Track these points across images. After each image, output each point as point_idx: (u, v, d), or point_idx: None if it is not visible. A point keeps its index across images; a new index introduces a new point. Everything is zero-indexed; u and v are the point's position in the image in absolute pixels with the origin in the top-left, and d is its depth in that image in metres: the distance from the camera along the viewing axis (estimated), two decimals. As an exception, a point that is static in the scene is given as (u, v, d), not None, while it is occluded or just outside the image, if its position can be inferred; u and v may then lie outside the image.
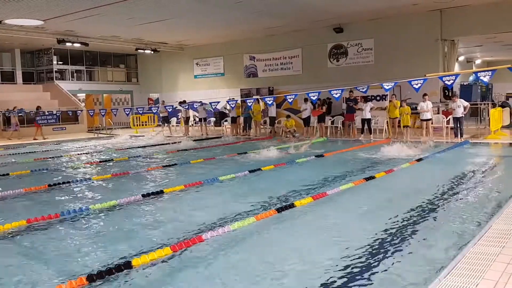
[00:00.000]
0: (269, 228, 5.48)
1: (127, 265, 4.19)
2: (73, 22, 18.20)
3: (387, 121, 16.58)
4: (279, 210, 6.06)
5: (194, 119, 22.09)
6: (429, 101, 15.01)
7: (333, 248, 4.70)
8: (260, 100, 17.87)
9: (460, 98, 15.38)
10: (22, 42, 23.33)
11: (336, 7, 17.28)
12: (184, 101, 20.77)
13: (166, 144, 16.84)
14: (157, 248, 4.66)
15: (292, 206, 6.28)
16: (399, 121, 15.72)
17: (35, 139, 19.77)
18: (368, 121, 16.23)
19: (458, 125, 14.58)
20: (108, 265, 4.24)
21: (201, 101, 19.92)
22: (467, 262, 4.06)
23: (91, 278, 3.93)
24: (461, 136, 14.54)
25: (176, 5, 16.10)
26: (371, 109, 16.20)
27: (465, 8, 17.41)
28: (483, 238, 4.71)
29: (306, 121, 18.06)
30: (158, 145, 16.61)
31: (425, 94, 14.82)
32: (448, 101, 18.17)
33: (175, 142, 17.14)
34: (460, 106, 14.44)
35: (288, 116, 17.71)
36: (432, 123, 15.36)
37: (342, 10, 17.77)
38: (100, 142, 18.60)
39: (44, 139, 19.94)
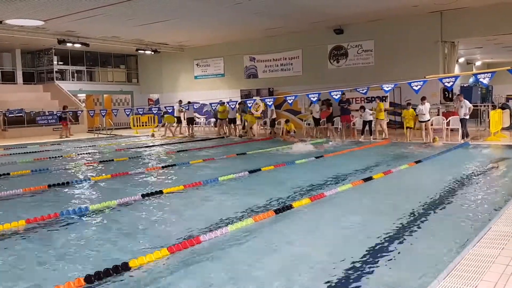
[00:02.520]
0: (268, 229, 5.46)
1: (125, 266, 4.19)
2: (73, 22, 18.22)
3: (387, 123, 16.65)
4: (277, 211, 6.05)
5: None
6: (427, 103, 15.01)
7: (329, 250, 4.68)
8: (260, 101, 17.89)
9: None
10: (22, 42, 23.35)
11: (336, 9, 17.29)
12: (189, 102, 20.69)
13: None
14: (155, 249, 4.65)
15: (290, 207, 6.27)
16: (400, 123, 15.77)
17: (61, 137, 20.55)
18: (369, 123, 16.25)
19: (461, 126, 14.61)
20: (106, 266, 4.22)
21: (221, 101, 19.47)
22: (466, 264, 4.06)
23: (89, 279, 3.93)
24: (463, 137, 14.53)
25: (177, 6, 16.11)
26: (371, 114, 16.23)
27: (465, 9, 17.42)
28: (482, 240, 4.71)
29: (317, 121, 18.18)
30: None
31: (423, 98, 14.84)
32: (448, 102, 18.18)
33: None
34: (463, 107, 14.44)
35: (287, 121, 17.77)
36: (432, 124, 15.35)
37: (342, 12, 17.79)
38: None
39: (68, 137, 20.70)
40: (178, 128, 21.65)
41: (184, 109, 20.15)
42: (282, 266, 4.25)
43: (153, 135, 21.18)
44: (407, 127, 15.51)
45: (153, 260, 4.40)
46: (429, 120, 15.03)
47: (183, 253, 4.62)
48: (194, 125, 21.64)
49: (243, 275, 4.07)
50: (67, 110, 21.22)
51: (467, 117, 14.62)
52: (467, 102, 14.61)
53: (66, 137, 20.66)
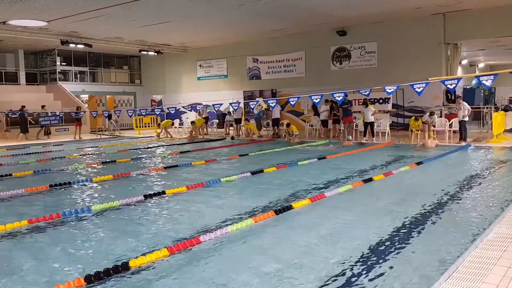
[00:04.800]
0: (268, 229, 5.46)
1: (125, 266, 4.19)
2: (77, 23, 18.28)
3: (389, 124, 16.61)
4: (277, 212, 6.04)
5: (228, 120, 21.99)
6: (435, 116, 15.08)
7: (327, 252, 4.67)
8: (263, 102, 17.93)
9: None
10: (25, 43, 23.44)
11: (340, 11, 17.29)
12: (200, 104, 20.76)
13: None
14: (155, 250, 4.65)
15: (290, 208, 6.27)
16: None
17: (75, 138, 20.74)
18: (371, 124, 16.21)
19: (460, 128, 14.61)
20: (107, 266, 4.23)
21: (238, 101, 19.42)
22: (468, 266, 4.05)
23: (89, 278, 3.93)
24: (464, 139, 14.49)
25: (180, 7, 16.14)
26: (373, 114, 16.17)
27: (468, 12, 17.40)
28: (484, 242, 4.69)
29: (324, 122, 18.26)
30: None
31: (432, 113, 14.91)
32: (451, 104, 18.16)
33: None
34: (460, 109, 14.46)
35: (288, 124, 17.79)
36: (434, 126, 15.32)
37: (345, 14, 17.79)
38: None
39: (80, 138, 20.85)
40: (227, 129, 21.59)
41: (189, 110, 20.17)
42: (281, 268, 4.23)
43: (158, 135, 21.19)
44: (411, 130, 15.49)
45: (153, 260, 4.40)
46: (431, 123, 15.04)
47: (183, 254, 4.62)
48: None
49: (242, 276, 4.06)
50: (80, 111, 21.34)
51: (466, 119, 14.59)
52: (465, 104, 14.61)
53: (80, 137, 20.79)
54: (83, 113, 21.32)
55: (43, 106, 21.77)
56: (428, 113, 15.14)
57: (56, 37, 21.09)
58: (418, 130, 15.15)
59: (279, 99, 16.15)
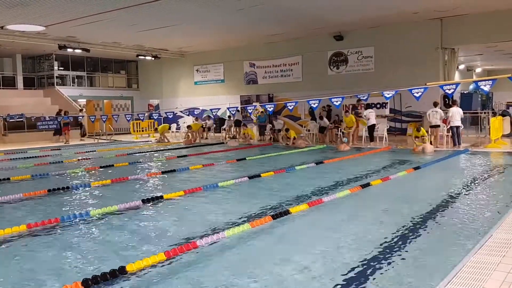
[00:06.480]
0: (265, 234, 5.44)
1: (122, 271, 4.17)
2: (74, 28, 18.26)
3: (387, 129, 16.61)
4: (275, 216, 6.02)
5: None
6: (436, 108, 15.11)
7: (324, 258, 4.65)
8: (260, 107, 17.98)
9: (460, 107, 15.42)
10: (23, 47, 23.40)
11: (337, 15, 17.33)
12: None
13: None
14: (152, 254, 4.62)
15: (287, 213, 6.25)
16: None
17: (66, 142, 20.68)
18: (373, 127, 16.23)
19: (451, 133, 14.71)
20: (104, 270, 4.20)
21: (236, 107, 19.43)
22: (467, 271, 4.03)
23: (86, 283, 3.90)
24: (454, 144, 14.53)
25: (178, 12, 16.13)
26: (368, 118, 16.22)
27: (465, 17, 17.46)
28: (483, 247, 4.67)
29: (322, 129, 18.46)
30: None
31: (436, 104, 14.86)
32: (449, 109, 18.20)
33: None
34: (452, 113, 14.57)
35: (287, 129, 17.81)
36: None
37: (342, 18, 17.83)
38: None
39: (68, 142, 20.74)
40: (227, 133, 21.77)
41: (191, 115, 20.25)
42: (280, 271, 4.22)
43: (159, 140, 21.16)
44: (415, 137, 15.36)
45: (150, 264, 4.37)
46: (439, 126, 14.99)
47: (180, 258, 4.60)
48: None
49: (238, 281, 4.04)
50: (70, 115, 21.31)
51: (455, 123, 14.61)
52: (452, 108, 14.66)
53: (66, 142, 20.67)
54: (81, 117, 21.28)
55: (81, 110, 22.38)
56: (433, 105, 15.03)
57: (54, 42, 21.07)
58: (422, 137, 14.37)
59: (276, 103, 16.15)
